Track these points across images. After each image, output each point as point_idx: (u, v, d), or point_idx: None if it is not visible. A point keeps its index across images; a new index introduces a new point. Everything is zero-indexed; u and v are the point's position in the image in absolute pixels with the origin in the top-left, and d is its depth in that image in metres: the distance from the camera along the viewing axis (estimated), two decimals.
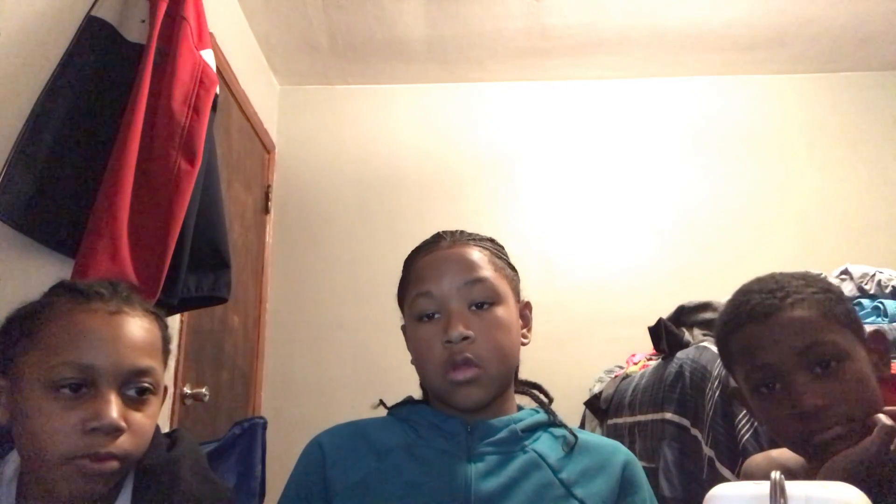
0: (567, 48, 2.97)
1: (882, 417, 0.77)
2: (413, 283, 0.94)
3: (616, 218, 3.04)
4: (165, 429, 0.92)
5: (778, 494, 0.51)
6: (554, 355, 2.63)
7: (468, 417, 0.89)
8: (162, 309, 1.01)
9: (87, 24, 1.45)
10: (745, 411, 1.33)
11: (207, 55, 1.56)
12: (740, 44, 2.94)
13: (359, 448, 0.90)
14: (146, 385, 0.80)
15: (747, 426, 1.31)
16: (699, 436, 1.51)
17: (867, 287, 1.73)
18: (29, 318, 0.80)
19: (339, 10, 2.71)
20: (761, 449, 1.22)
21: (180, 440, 0.89)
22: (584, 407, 2.55)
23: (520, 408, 0.96)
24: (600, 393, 2.39)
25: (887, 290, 1.70)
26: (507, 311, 0.92)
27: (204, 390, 2.14)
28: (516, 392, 0.98)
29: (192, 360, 2.14)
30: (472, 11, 2.72)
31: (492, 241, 1.00)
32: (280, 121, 3.18)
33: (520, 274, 1.00)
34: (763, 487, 0.53)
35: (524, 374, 0.99)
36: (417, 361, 0.93)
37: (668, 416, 1.70)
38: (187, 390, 2.09)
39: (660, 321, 1.94)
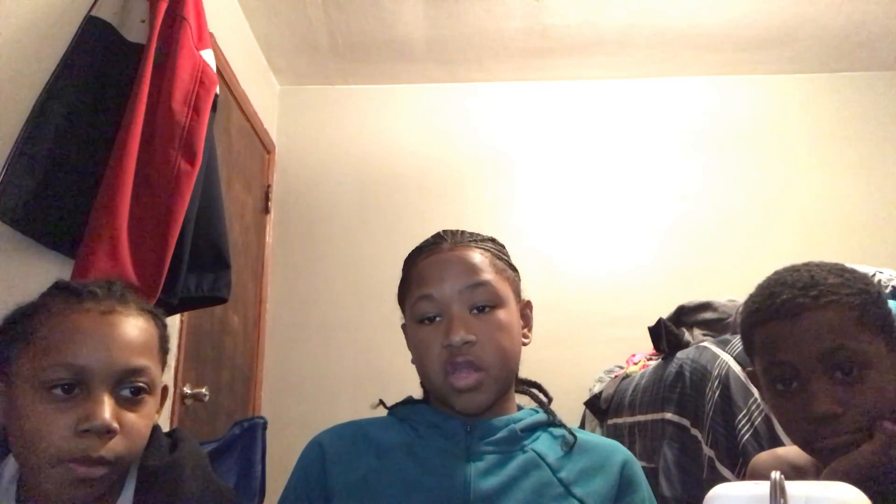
0: (567, 48, 2.97)
1: (885, 423, 0.76)
2: (414, 285, 0.94)
3: (616, 218, 3.03)
4: (165, 429, 0.91)
5: (778, 494, 0.51)
6: (554, 355, 2.62)
7: (468, 417, 0.90)
8: (162, 309, 1.01)
9: (87, 24, 1.44)
10: (745, 411, 1.33)
11: (207, 55, 1.56)
12: (740, 44, 2.94)
13: (359, 447, 0.91)
14: (140, 385, 0.79)
15: (747, 426, 1.31)
16: (699, 436, 1.51)
17: None
18: (24, 320, 0.80)
19: (339, 10, 2.71)
20: (761, 449, 1.22)
21: (182, 441, 0.89)
22: (584, 407, 2.55)
23: (519, 407, 0.97)
24: (600, 393, 2.39)
25: (887, 290, 1.70)
26: (508, 314, 0.91)
27: (204, 390, 2.14)
28: (516, 391, 0.98)
29: (192, 360, 2.14)
30: (472, 11, 2.71)
31: (493, 241, 1.00)
32: (280, 121, 3.17)
33: (520, 274, 1.00)
34: (763, 487, 0.53)
35: (524, 374, 0.99)
36: (418, 362, 0.93)
37: (668, 416, 1.70)
38: (187, 390, 2.09)
39: (660, 321, 1.94)
